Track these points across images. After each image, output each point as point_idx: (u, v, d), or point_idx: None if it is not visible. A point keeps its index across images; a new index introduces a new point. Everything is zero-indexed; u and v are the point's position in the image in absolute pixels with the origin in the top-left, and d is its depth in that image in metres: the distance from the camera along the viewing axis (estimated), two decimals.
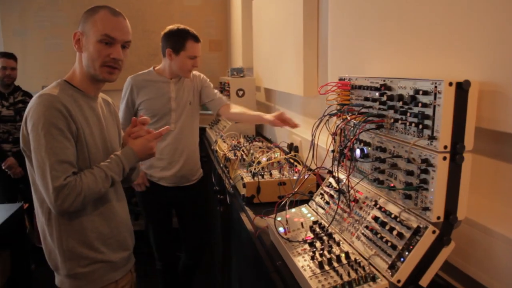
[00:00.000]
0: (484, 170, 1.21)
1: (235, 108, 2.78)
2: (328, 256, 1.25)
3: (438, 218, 1.09)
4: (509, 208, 1.15)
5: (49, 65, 4.61)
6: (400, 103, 1.19)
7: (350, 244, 1.31)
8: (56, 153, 1.50)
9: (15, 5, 4.64)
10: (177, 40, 2.67)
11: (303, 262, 1.28)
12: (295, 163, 2.37)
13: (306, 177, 1.76)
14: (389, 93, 1.27)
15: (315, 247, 1.34)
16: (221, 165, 2.79)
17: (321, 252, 1.29)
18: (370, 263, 1.17)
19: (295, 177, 2.14)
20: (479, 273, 1.14)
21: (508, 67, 1.04)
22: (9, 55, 3.89)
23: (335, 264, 1.22)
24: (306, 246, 1.37)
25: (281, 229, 1.50)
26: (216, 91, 2.90)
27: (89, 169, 1.59)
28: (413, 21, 1.39)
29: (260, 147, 2.77)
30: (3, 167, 3.87)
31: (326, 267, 1.22)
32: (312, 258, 1.27)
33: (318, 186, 2.08)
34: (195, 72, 2.87)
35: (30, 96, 4.02)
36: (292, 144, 2.67)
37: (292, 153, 2.59)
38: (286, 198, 1.61)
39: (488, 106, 1.09)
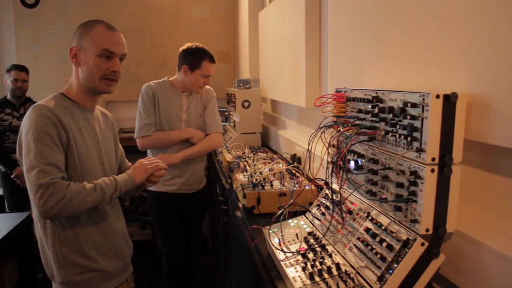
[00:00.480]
0: (475, 182, 1.21)
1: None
2: (319, 267, 1.26)
3: (427, 230, 1.09)
4: (500, 220, 1.15)
5: (60, 76, 4.70)
6: (391, 115, 1.20)
7: (342, 256, 1.31)
8: (45, 157, 1.53)
9: (29, 19, 4.76)
10: (194, 59, 2.79)
11: (295, 273, 1.28)
12: (297, 174, 2.37)
13: (304, 188, 1.77)
14: (381, 105, 1.27)
15: (307, 258, 1.35)
16: (226, 175, 2.81)
17: (313, 263, 1.29)
18: (358, 273, 1.17)
19: (295, 188, 2.15)
20: (468, 286, 1.14)
21: (495, 79, 1.04)
22: (21, 68, 3.98)
23: (326, 275, 1.22)
24: (299, 257, 1.37)
25: (276, 240, 1.51)
26: (215, 115, 2.95)
27: (82, 183, 1.61)
28: (407, 34, 1.41)
29: (264, 158, 2.78)
30: (12, 177, 3.94)
31: (317, 278, 1.22)
32: (304, 269, 1.28)
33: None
34: (208, 87, 2.97)
35: None
36: (295, 155, 2.68)
37: (294, 164, 2.60)
38: (283, 209, 1.61)
39: (477, 118, 1.10)
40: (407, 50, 1.41)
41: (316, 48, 2.40)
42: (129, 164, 2.03)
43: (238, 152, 3.14)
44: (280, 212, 1.62)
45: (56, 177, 1.53)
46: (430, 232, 1.09)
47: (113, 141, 1.91)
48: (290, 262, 1.36)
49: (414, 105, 1.10)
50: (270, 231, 1.53)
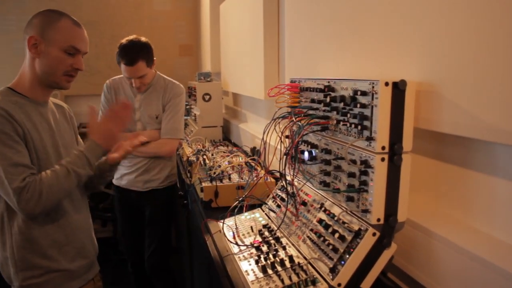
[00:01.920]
0: (426, 171, 1.21)
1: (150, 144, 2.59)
2: (272, 260, 1.23)
3: (378, 220, 1.08)
4: (450, 209, 1.15)
5: (16, 70, 4.47)
6: (342, 104, 1.18)
7: (296, 248, 1.29)
8: (7, 157, 1.44)
9: None
10: (117, 54, 2.55)
11: (248, 267, 1.25)
12: (256, 167, 2.34)
13: (260, 180, 1.74)
14: (332, 94, 1.25)
15: (261, 251, 1.32)
16: (185, 169, 2.76)
17: (266, 256, 1.26)
18: (309, 263, 1.15)
19: (252, 181, 2.12)
20: (420, 275, 1.13)
21: (443, 67, 1.03)
22: None
23: (279, 268, 1.20)
24: (253, 251, 1.34)
25: (230, 233, 1.47)
26: (172, 117, 2.63)
27: (51, 168, 1.53)
28: (358, 23, 1.39)
29: (223, 152, 2.74)
30: None
31: (269, 271, 1.19)
32: (257, 262, 1.25)
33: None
34: (177, 83, 2.71)
35: None
36: (254, 148, 2.65)
37: (253, 157, 2.57)
38: (237, 202, 1.58)
39: (425, 106, 1.09)
40: (359, 39, 1.40)
41: (275, 41, 2.38)
42: None
43: (198, 146, 3.09)
44: (234, 205, 1.58)
45: (26, 175, 1.45)
46: (382, 222, 1.08)
47: (72, 133, 1.81)
48: (244, 256, 1.33)
49: (364, 93, 1.09)
50: (224, 224, 1.49)
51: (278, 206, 1.54)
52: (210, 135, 3.37)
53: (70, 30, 1.59)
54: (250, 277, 1.20)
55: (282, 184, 1.60)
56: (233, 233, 1.47)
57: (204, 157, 2.55)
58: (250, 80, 2.72)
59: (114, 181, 2.81)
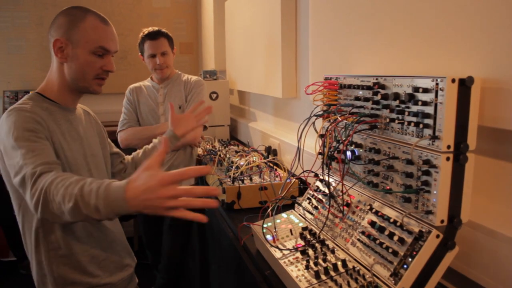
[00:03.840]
0: (485, 170, 1.17)
1: None
2: (324, 264, 1.18)
3: (442, 221, 1.04)
4: (510, 209, 1.12)
5: (11, 68, 4.37)
6: (397, 102, 1.14)
7: (345, 251, 1.24)
8: (35, 155, 1.29)
9: None
10: (139, 44, 2.68)
11: (297, 272, 1.20)
12: (275, 167, 2.30)
13: (288, 181, 1.69)
14: (383, 91, 1.21)
15: (308, 255, 1.27)
16: None
17: (316, 260, 1.22)
18: (369, 270, 1.10)
19: (276, 181, 2.07)
20: (482, 277, 1.10)
21: (510, 62, 1.00)
22: None
23: (332, 273, 1.15)
24: (298, 255, 1.29)
25: (269, 237, 1.42)
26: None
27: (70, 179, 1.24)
28: (406, 17, 1.35)
29: (237, 151, 2.68)
30: None
31: (323, 277, 1.15)
32: (307, 267, 1.20)
33: (300, 190, 2.02)
34: (195, 77, 2.76)
35: None
36: (270, 147, 2.60)
37: (271, 156, 2.52)
38: (274, 203, 1.53)
39: (490, 103, 1.05)
40: (405, 34, 1.36)
41: (292, 38, 2.33)
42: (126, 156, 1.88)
43: (208, 146, 3.03)
44: (272, 206, 1.53)
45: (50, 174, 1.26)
46: (445, 223, 1.04)
47: (98, 139, 1.71)
48: (289, 260, 1.28)
49: (425, 90, 1.05)
50: (264, 226, 1.44)
51: (315, 207, 1.49)
52: (218, 135, 3.31)
53: (97, 29, 1.48)
54: (303, 284, 1.14)
55: (317, 185, 1.55)
56: (273, 236, 1.42)
57: (220, 157, 2.49)
58: (266, 79, 2.66)
59: None
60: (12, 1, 4.38)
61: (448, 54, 1.19)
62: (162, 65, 2.59)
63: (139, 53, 2.69)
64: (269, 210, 1.51)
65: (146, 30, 2.62)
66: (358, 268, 1.14)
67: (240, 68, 3.26)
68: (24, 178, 1.26)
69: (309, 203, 1.54)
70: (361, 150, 1.33)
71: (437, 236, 1.03)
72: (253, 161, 2.32)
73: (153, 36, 2.57)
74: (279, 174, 2.16)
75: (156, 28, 2.61)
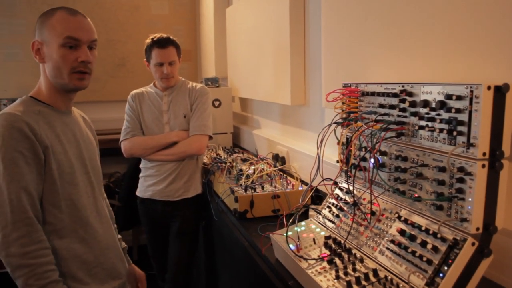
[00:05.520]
0: None
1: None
2: (355, 274, 1.17)
3: (477, 229, 1.03)
4: None
5: (8, 76, 4.30)
6: (427, 109, 1.14)
7: (373, 260, 1.23)
8: (16, 180, 1.33)
9: None
10: (146, 51, 2.60)
11: (327, 282, 1.18)
12: (285, 175, 2.28)
13: (312, 188, 1.67)
14: (410, 99, 1.21)
15: (336, 265, 1.26)
16: (203, 179, 2.67)
17: (345, 270, 1.20)
18: (402, 280, 1.09)
19: (288, 189, 2.06)
20: None
21: None
22: None
23: (364, 283, 1.14)
24: (325, 264, 1.28)
25: (292, 246, 1.41)
26: (201, 115, 2.58)
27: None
28: (430, 21, 1.35)
29: (243, 159, 2.67)
30: None
31: (355, 287, 1.13)
32: (337, 277, 1.18)
33: (313, 199, 2.01)
34: (200, 85, 2.69)
35: None
36: (277, 155, 2.59)
37: (278, 164, 2.51)
38: (295, 211, 1.51)
39: None
40: (425, 41, 1.36)
41: (301, 44, 2.33)
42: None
43: (212, 154, 3.01)
44: (280, 215, 1.51)
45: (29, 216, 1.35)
46: (480, 231, 1.03)
47: (95, 145, 1.72)
48: (317, 270, 1.26)
49: (459, 98, 1.04)
50: (287, 235, 1.42)
51: (337, 216, 1.48)
52: (221, 142, 3.29)
53: (65, 21, 1.45)
54: None
55: (337, 193, 1.54)
56: (297, 245, 1.40)
57: (228, 165, 2.47)
58: (273, 86, 2.65)
59: (138, 193, 2.70)
60: (8, 9, 4.32)
61: (476, 60, 1.19)
62: (169, 74, 2.53)
63: (144, 59, 2.61)
64: (291, 218, 1.49)
65: (155, 37, 2.53)
66: (390, 277, 1.13)
67: (244, 75, 3.25)
68: (0, 203, 1.32)
69: (329, 211, 1.53)
70: (385, 157, 1.32)
71: (473, 244, 1.03)
72: (262, 169, 2.31)
73: (163, 44, 2.50)
74: (291, 182, 2.15)
75: (165, 35, 2.53)
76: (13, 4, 4.32)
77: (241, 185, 2.12)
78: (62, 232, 1.45)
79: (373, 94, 1.37)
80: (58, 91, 1.51)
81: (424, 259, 1.08)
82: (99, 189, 1.65)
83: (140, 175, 2.69)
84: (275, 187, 2.11)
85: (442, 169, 1.10)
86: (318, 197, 2.01)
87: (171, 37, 2.56)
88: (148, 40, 2.56)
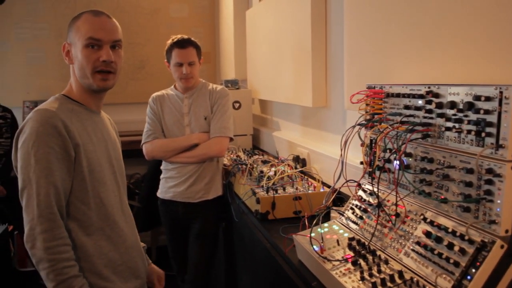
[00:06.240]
0: None
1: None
2: (380, 275, 1.16)
3: (506, 231, 1.02)
4: None
5: (31, 79, 4.40)
6: (454, 110, 1.13)
7: (398, 262, 1.22)
8: (46, 175, 1.36)
9: None
10: (166, 52, 2.63)
11: (352, 284, 1.18)
12: (306, 177, 2.28)
13: (335, 190, 1.67)
14: (436, 100, 1.20)
15: (360, 266, 1.25)
16: (224, 181, 2.68)
17: (370, 271, 1.20)
18: (429, 282, 1.08)
19: (310, 191, 2.06)
20: None
21: None
22: None
23: (390, 284, 1.13)
24: (349, 266, 1.28)
25: (315, 247, 1.41)
26: (221, 117, 2.60)
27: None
28: (456, 22, 1.35)
29: (264, 161, 2.67)
30: None
31: None
32: (362, 278, 1.18)
33: (333, 200, 2.00)
34: (220, 86, 2.71)
35: (10, 112, 3.82)
36: (298, 156, 2.59)
37: (299, 166, 2.51)
38: (319, 213, 1.51)
39: None
40: (451, 42, 1.35)
41: (322, 46, 2.33)
42: None
43: (232, 155, 3.02)
44: (320, 215, 1.51)
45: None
46: (510, 233, 1.02)
47: (119, 145, 1.75)
48: (341, 272, 1.26)
49: (488, 99, 1.03)
50: (312, 235, 1.42)
51: (360, 217, 1.48)
52: (241, 144, 3.30)
53: (87, 22, 1.49)
54: None
55: (360, 194, 1.54)
56: (320, 246, 1.40)
57: (249, 167, 2.47)
58: (293, 88, 2.65)
59: (159, 194, 2.73)
60: (32, 13, 4.42)
61: (503, 60, 1.18)
62: (188, 74, 2.55)
63: (165, 60, 2.64)
64: (314, 220, 1.49)
65: (175, 38, 2.57)
66: (416, 279, 1.12)
67: (264, 77, 3.26)
68: (29, 196, 1.37)
69: (353, 213, 1.53)
70: (410, 159, 1.32)
71: (502, 247, 1.02)
72: (283, 171, 2.31)
73: (182, 44, 2.53)
74: (312, 184, 2.15)
75: (185, 36, 2.56)
76: (37, 8, 4.41)
77: (262, 186, 2.13)
78: (90, 229, 1.48)
79: (398, 95, 1.36)
80: (87, 91, 1.55)
81: (451, 261, 1.07)
82: (123, 189, 1.68)
83: (162, 176, 2.72)
84: (296, 188, 2.11)
85: (470, 171, 1.09)
86: (339, 199, 2.00)
87: (192, 38, 2.58)
88: (169, 41, 2.59)
